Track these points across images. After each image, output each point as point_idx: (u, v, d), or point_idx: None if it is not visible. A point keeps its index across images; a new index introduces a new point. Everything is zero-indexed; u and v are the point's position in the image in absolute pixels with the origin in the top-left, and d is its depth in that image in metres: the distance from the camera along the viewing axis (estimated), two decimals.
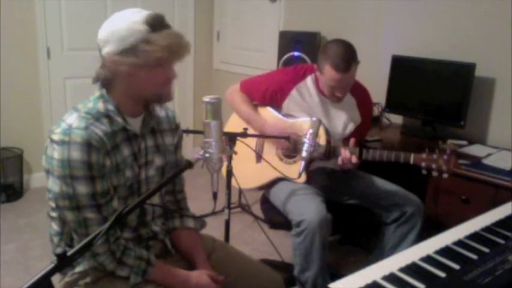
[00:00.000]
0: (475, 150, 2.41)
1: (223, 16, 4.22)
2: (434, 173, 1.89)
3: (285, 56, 3.28)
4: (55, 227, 1.34)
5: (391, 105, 2.83)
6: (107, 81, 1.29)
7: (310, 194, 2.06)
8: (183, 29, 4.04)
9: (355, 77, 2.09)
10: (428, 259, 1.11)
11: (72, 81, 3.59)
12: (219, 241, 1.64)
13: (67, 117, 1.26)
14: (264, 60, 3.79)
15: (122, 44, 1.22)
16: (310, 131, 1.76)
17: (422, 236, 2.05)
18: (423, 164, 1.90)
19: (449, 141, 2.27)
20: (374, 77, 2.81)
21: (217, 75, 4.38)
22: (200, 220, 1.59)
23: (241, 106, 2.28)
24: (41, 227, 2.90)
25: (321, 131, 1.94)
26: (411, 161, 1.94)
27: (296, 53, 3.23)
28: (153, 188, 1.34)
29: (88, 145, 1.20)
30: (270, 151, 2.25)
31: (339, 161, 2.01)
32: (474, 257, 1.12)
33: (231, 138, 2.06)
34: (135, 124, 1.35)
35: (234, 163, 2.13)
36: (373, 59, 2.97)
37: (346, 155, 1.98)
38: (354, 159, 1.97)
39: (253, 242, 2.89)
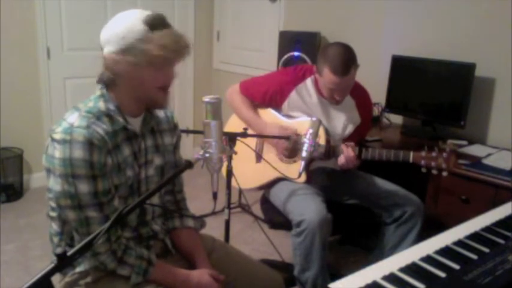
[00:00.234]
0: (475, 150, 2.41)
1: (223, 16, 4.22)
2: (434, 171, 1.90)
3: (285, 56, 3.28)
4: (55, 227, 1.34)
5: (391, 105, 2.83)
6: (109, 81, 1.30)
7: (310, 194, 2.06)
8: (183, 29, 4.02)
9: (355, 77, 2.09)
10: (428, 259, 1.11)
11: (72, 81, 3.59)
12: (219, 241, 1.64)
13: (68, 116, 1.26)
14: (264, 60, 3.79)
15: (120, 43, 1.23)
16: (310, 131, 1.77)
17: (422, 236, 2.06)
18: (422, 162, 1.91)
19: (449, 141, 2.28)
20: (374, 77, 2.81)
21: (217, 75, 4.38)
22: (200, 220, 1.59)
23: (241, 109, 2.28)
24: (41, 227, 2.90)
25: (321, 131, 1.94)
26: (410, 159, 1.94)
27: (296, 53, 3.23)
28: (153, 187, 1.35)
29: (90, 144, 1.20)
30: (270, 151, 2.25)
31: (341, 159, 2.02)
32: (474, 257, 1.12)
33: (231, 138, 2.06)
34: (135, 124, 1.36)
35: (234, 163, 2.13)
36: (373, 59, 2.97)
37: (350, 154, 1.98)
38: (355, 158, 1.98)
39: (253, 242, 2.89)
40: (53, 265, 0.92)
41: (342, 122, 2.20)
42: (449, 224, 1.30)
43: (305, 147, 1.76)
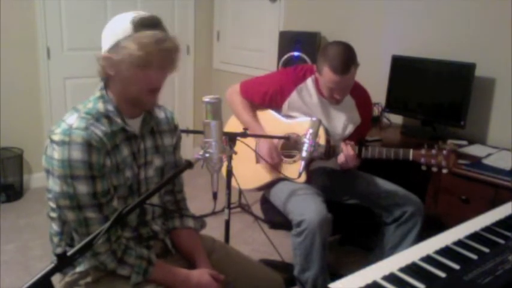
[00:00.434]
0: (475, 150, 2.41)
1: (223, 16, 4.22)
2: (434, 169, 1.90)
3: (285, 56, 3.28)
4: (55, 227, 1.34)
5: (391, 105, 2.83)
6: (105, 81, 1.31)
7: (310, 194, 2.06)
8: (183, 29, 4.04)
9: (355, 78, 2.09)
10: (428, 259, 1.11)
11: (72, 81, 3.59)
12: (219, 242, 1.64)
13: (67, 118, 1.26)
14: (264, 60, 3.79)
15: (109, 41, 1.25)
16: (310, 131, 1.76)
17: (422, 236, 2.05)
18: (422, 160, 1.91)
19: (449, 141, 2.28)
20: (374, 77, 2.81)
21: (217, 75, 4.38)
22: (200, 220, 1.59)
23: (240, 112, 2.28)
24: (41, 227, 2.90)
25: (321, 131, 1.94)
26: (410, 157, 1.94)
27: (296, 53, 3.23)
28: (153, 188, 1.35)
29: (88, 145, 1.21)
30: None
31: (341, 158, 2.01)
32: (474, 257, 1.12)
33: (231, 138, 2.06)
34: (134, 125, 1.36)
35: (233, 163, 2.13)
36: (373, 59, 2.97)
37: (349, 152, 1.98)
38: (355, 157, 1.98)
39: (253, 242, 2.89)
40: (53, 265, 0.92)
41: (342, 122, 2.20)
42: (449, 224, 1.30)
43: (305, 147, 1.77)
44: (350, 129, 2.22)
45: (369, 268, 1.06)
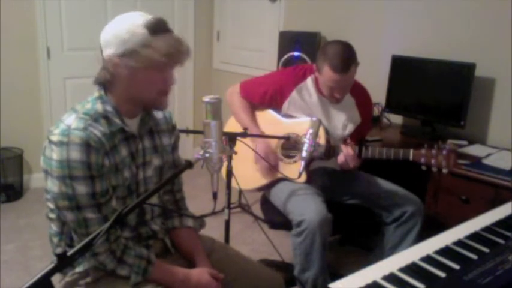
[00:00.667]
0: (475, 150, 2.41)
1: (223, 16, 4.22)
2: (434, 169, 1.90)
3: (285, 56, 3.28)
4: (54, 227, 1.34)
5: (391, 105, 2.83)
6: (107, 83, 1.30)
7: (310, 194, 2.06)
8: (183, 29, 4.04)
9: (355, 77, 2.09)
10: (428, 259, 1.11)
11: (72, 81, 3.59)
12: (219, 242, 1.64)
13: (65, 118, 1.26)
14: (264, 60, 3.79)
15: (122, 46, 1.23)
16: (310, 131, 1.76)
17: (422, 236, 2.06)
18: (422, 160, 1.91)
19: (449, 141, 2.28)
20: (374, 77, 2.81)
21: (217, 75, 4.38)
22: (200, 220, 1.59)
23: (239, 113, 2.28)
24: (41, 227, 2.89)
25: (321, 131, 1.94)
26: (410, 157, 1.94)
27: (296, 53, 3.23)
28: (152, 188, 1.35)
29: (87, 146, 1.21)
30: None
31: (341, 157, 2.01)
32: (474, 257, 1.12)
33: (231, 138, 2.06)
34: (132, 125, 1.36)
35: (233, 164, 2.13)
36: (373, 59, 2.97)
37: (349, 152, 1.98)
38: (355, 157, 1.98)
39: (253, 242, 2.89)
40: (53, 265, 0.92)
41: (342, 121, 2.20)
42: (449, 224, 1.30)
43: (305, 147, 1.76)
44: (350, 128, 2.22)
45: (369, 268, 1.06)
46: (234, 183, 2.16)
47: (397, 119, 2.96)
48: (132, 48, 1.22)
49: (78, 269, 1.32)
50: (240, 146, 2.08)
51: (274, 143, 2.23)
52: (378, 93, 2.78)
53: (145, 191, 1.39)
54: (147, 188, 1.40)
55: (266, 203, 2.41)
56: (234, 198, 2.94)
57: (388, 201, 2.15)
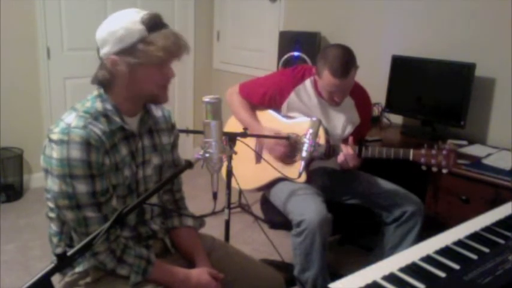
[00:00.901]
0: (475, 150, 2.41)
1: (223, 16, 4.22)
2: (434, 169, 1.90)
3: (285, 56, 3.28)
4: (54, 227, 1.34)
5: (391, 105, 2.83)
6: (106, 81, 1.30)
7: (310, 194, 2.06)
8: (183, 29, 4.04)
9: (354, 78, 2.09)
10: (428, 259, 1.11)
11: (72, 81, 3.59)
12: (219, 240, 1.64)
13: (65, 117, 1.26)
14: (264, 60, 3.79)
15: (120, 44, 1.23)
16: (310, 131, 1.76)
17: (422, 236, 2.06)
18: (422, 160, 1.91)
19: (449, 141, 2.28)
20: (374, 77, 2.81)
21: (217, 75, 4.38)
22: (199, 219, 1.59)
23: (240, 112, 2.28)
24: (41, 227, 2.89)
25: (320, 131, 1.94)
26: (410, 157, 1.94)
27: (296, 53, 3.22)
28: (152, 187, 1.35)
29: (87, 144, 1.21)
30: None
31: (341, 157, 2.01)
32: (474, 257, 1.12)
33: (231, 138, 2.06)
34: (132, 123, 1.36)
35: (233, 164, 2.13)
36: (373, 59, 2.97)
37: (349, 151, 1.98)
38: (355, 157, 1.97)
39: (253, 242, 2.89)
40: (52, 265, 0.92)
41: (341, 122, 2.20)
42: (449, 224, 1.30)
43: (305, 147, 1.76)
44: (349, 129, 2.22)
45: (369, 268, 1.06)
46: (234, 183, 2.16)
47: (397, 119, 2.96)
48: (129, 45, 1.22)
49: (78, 269, 1.31)
50: (240, 146, 2.08)
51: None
52: (378, 93, 2.78)
53: (145, 190, 1.39)
54: (146, 187, 1.40)
55: (266, 203, 2.41)
56: (234, 198, 2.94)
57: (388, 201, 2.15)
